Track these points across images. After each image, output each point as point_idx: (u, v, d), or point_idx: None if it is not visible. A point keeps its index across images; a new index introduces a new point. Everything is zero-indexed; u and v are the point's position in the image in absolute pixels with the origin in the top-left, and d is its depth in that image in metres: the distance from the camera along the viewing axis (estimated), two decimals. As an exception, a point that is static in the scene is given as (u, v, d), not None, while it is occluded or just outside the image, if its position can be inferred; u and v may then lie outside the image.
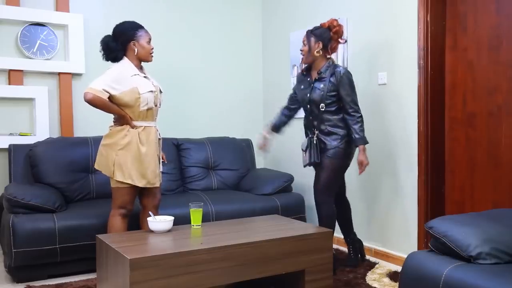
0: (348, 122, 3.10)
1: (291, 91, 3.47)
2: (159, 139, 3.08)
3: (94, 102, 2.79)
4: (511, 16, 2.91)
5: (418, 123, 3.29)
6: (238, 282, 2.55)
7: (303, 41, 3.18)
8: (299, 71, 3.38)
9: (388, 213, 3.56)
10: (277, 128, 3.47)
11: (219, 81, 4.75)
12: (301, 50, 3.20)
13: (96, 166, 2.98)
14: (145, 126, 2.95)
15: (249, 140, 4.61)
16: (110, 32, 4.05)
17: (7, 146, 3.72)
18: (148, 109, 2.94)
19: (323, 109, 3.12)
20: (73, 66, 3.98)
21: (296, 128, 4.46)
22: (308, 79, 3.22)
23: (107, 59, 2.98)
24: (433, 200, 3.29)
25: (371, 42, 3.64)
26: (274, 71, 4.79)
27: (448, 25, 3.28)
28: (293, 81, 4.47)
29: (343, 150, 3.14)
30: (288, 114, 3.45)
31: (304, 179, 4.34)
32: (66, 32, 3.99)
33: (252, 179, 4.18)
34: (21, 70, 3.82)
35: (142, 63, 3.06)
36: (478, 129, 3.11)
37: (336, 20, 3.18)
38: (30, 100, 3.89)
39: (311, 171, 4.24)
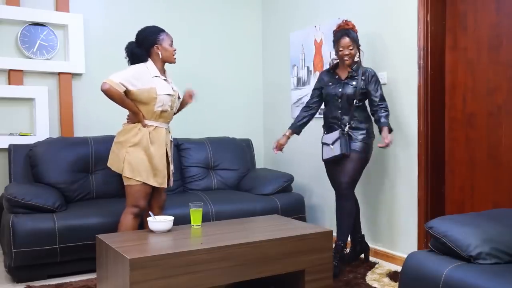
0: (376, 112, 3.21)
1: (311, 91, 3.50)
2: (171, 141, 3.14)
3: (110, 93, 2.85)
4: (511, 15, 2.90)
5: (418, 123, 3.29)
6: (238, 282, 2.55)
7: (348, 46, 3.21)
8: (328, 69, 3.44)
9: (388, 213, 3.55)
10: (299, 128, 3.48)
11: (219, 81, 4.75)
12: (346, 54, 3.22)
13: (108, 164, 3.05)
14: (156, 126, 2.99)
15: (249, 140, 4.61)
16: (109, 32, 4.09)
17: (7, 146, 3.72)
18: (162, 111, 3.00)
19: (357, 104, 3.23)
20: (73, 66, 3.98)
21: (296, 128, 4.46)
22: (336, 77, 3.32)
23: (132, 64, 3.04)
24: (433, 200, 3.29)
25: (371, 42, 3.64)
26: (274, 71, 4.79)
27: (448, 25, 3.28)
28: (293, 81, 4.47)
29: (367, 144, 3.24)
30: (310, 113, 3.47)
31: (304, 179, 4.34)
32: (66, 32, 3.99)
33: (252, 179, 4.17)
34: (21, 70, 3.82)
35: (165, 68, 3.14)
36: (478, 129, 3.11)
37: (349, 21, 3.32)
38: (30, 100, 3.89)
39: (311, 171, 4.25)
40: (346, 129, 3.23)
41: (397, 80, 3.45)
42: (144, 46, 3.02)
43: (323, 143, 3.34)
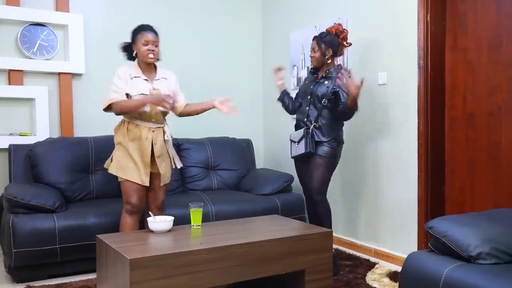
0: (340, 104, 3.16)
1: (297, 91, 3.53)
2: (165, 140, 3.10)
3: (113, 110, 2.97)
4: (511, 15, 2.91)
5: (418, 123, 3.29)
6: (238, 282, 2.55)
7: (313, 48, 3.27)
8: (307, 72, 3.45)
9: (388, 213, 3.55)
10: (286, 96, 3.50)
11: (219, 81, 4.75)
12: (311, 56, 3.29)
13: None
14: (137, 124, 3.01)
15: (249, 140, 4.61)
16: (109, 32, 4.10)
17: (7, 146, 3.72)
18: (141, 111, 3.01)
19: (325, 104, 3.20)
20: (73, 66, 3.98)
21: (296, 128, 4.46)
22: (315, 75, 3.34)
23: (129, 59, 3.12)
24: (433, 200, 3.29)
25: (371, 42, 3.64)
26: (274, 71, 4.79)
27: (448, 25, 3.28)
28: (293, 81, 4.47)
29: (334, 150, 3.22)
30: (293, 103, 3.48)
31: (304, 179, 4.34)
32: (66, 32, 4.00)
33: (252, 179, 4.17)
34: (21, 70, 3.82)
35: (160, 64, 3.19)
36: (478, 129, 3.11)
37: (341, 25, 3.30)
38: (30, 100, 3.89)
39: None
40: (311, 127, 3.22)
41: (397, 80, 3.45)
42: (128, 45, 3.08)
43: (291, 141, 3.36)
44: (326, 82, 3.23)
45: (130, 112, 2.97)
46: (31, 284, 3.07)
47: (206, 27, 4.67)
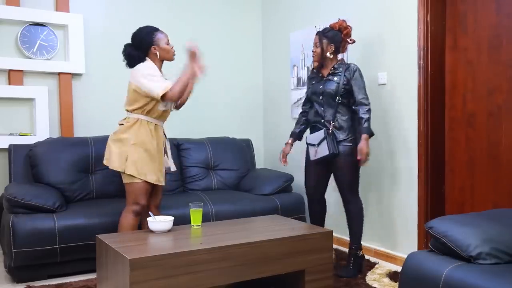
0: (358, 112, 3.12)
1: (304, 95, 3.47)
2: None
3: (175, 95, 2.87)
4: (511, 15, 2.91)
5: (418, 123, 3.29)
6: (238, 282, 2.55)
7: (315, 43, 3.22)
8: (310, 70, 3.41)
9: (388, 213, 3.56)
10: (298, 135, 3.47)
11: (219, 81, 4.75)
12: (313, 52, 3.24)
13: (105, 162, 3.00)
14: (155, 124, 3.01)
15: (249, 140, 4.61)
16: (109, 32, 4.08)
17: (7, 146, 3.72)
18: (164, 110, 3.01)
19: (339, 101, 3.16)
20: (73, 66, 3.98)
21: (296, 128, 4.46)
22: (320, 75, 3.27)
23: (131, 67, 3.02)
24: (433, 200, 3.29)
25: (371, 42, 3.64)
26: (274, 71, 4.79)
27: (448, 25, 3.28)
28: (293, 81, 4.47)
29: (352, 147, 3.15)
30: (306, 117, 3.44)
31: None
32: (66, 32, 4.00)
33: (252, 179, 4.18)
34: (21, 70, 3.83)
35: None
36: (478, 129, 3.11)
37: (345, 21, 3.23)
38: (30, 100, 3.89)
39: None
40: (331, 127, 3.17)
41: (397, 80, 3.45)
42: (142, 47, 2.99)
43: (308, 144, 3.27)
44: (335, 78, 3.17)
45: (185, 91, 2.94)
46: (31, 284, 3.07)
47: (206, 27, 4.67)
